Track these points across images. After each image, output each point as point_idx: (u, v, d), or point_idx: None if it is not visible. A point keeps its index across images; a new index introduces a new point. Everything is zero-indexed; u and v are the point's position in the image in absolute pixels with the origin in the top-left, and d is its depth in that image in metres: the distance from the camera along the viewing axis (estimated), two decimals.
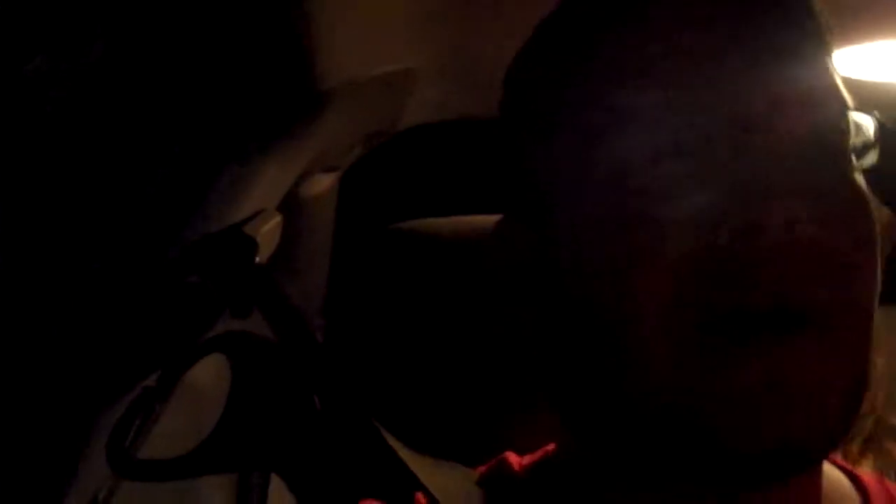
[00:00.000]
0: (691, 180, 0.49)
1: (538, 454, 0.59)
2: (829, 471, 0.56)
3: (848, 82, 0.53)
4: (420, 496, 0.57)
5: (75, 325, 0.78)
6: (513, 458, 0.59)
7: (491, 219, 0.73)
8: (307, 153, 0.90)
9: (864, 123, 0.52)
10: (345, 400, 0.68)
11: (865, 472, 0.59)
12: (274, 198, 0.88)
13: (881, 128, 0.53)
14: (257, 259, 0.80)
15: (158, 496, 0.90)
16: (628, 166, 0.50)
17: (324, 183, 1.01)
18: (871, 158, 0.52)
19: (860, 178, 0.52)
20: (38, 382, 0.76)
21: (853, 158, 0.51)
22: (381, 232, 0.75)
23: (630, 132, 0.49)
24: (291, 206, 0.95)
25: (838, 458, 0.60)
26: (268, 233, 0.84)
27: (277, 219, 0.87)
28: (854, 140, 0.51)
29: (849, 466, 0.59)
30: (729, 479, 0.50)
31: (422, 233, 0.72)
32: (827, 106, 0.51)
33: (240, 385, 0.70)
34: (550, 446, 0.59)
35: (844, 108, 0.51)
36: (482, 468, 0.60)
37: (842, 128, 0.51)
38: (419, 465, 0.61)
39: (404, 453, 0.63)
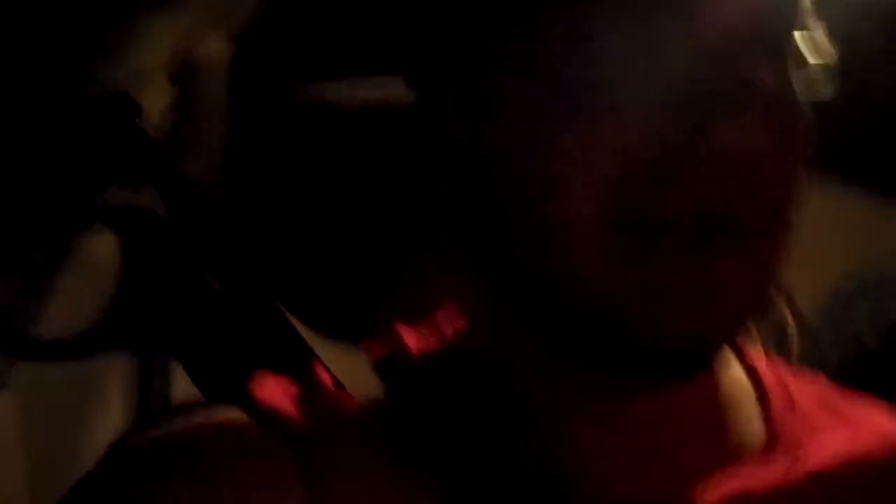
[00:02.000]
0: (640, 77, 0.48)
1: (434, 335, 0.59)
2: (727, 362, 0.58)
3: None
4: (321, 370, 0.56)
5: None
6: (408, 339, 0.58)
7: (397, 84, 0.71)
8: (191, 9, 0.87)
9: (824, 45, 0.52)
10: (240, 276, 0.67)
11: (759, 359, 0.60)
12: (160, 58, 0.85)
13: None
14: (145, 123, 0.77)
15: (55, 378, 0.88)
16: (580, 51, 0.49)
17: (215, 45, 0.98)
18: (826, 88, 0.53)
19: (796, 85, 0.52)
20: None
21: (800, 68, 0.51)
22: (278, 97, 0.72)
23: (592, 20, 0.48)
24: (183, 71, 0.92)
25: None
26: (154, 96, 0.81)
27: (165, 82, 0.84)
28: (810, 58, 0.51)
29: (747, 354, 0.60)
30: (634, 371, 0.51)
31: (316, 97, 0.70)
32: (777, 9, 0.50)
33: (131, 261, 0.68)
34: (445, 326, 0.58)
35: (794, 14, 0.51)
36: (375, 348, 0.59)
37: (785, 30, 0.51)
38: (316, 345, 0.60)
39: (306, 333, 0.62)
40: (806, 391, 0.59)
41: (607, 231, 0.49)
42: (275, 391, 0.54)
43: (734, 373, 0.57)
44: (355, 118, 0.69)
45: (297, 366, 0.57)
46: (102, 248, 0.72)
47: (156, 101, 0.81)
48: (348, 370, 0.57)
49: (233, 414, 0.53)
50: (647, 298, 0.49)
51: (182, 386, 0.71)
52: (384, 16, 0.94)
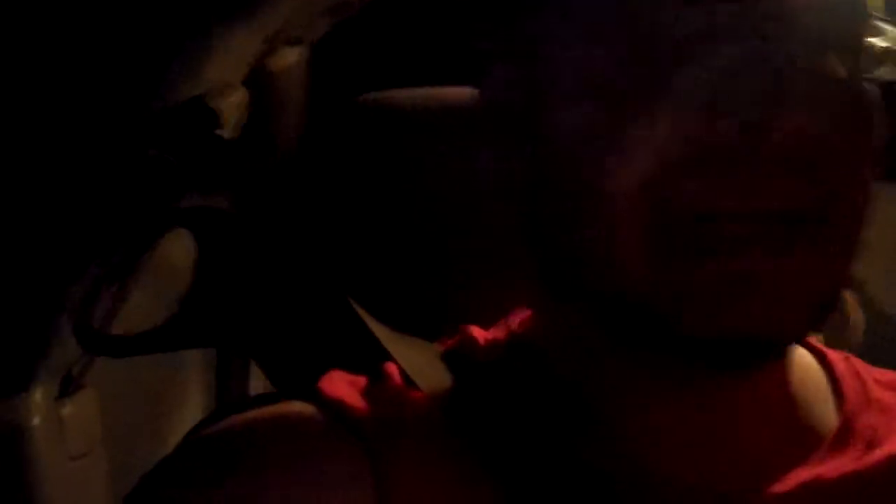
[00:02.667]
0: (698, 65, 0.48)
1: (503, 330, 0.60)
2: (800, 352, 0.57)
3: None
4: (391, 366, 0.57)
5: (39, 201, 0.78)
6: (477, 333, 0.59)
7: (461, 91, 0.73)
8: (270, 23, 0.89)
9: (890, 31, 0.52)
10: (314, 276, 0.69)
11: (832, 350, 0.59)
12: (238, 71, 0.87)
13: None
14: (222, 132, 0.80)
15: (138, 375, 0.91)
16: (636, 39, 0.49)
17: (290, 56, 1.00)
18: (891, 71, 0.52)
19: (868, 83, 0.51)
20: (4, 259, 0.77)
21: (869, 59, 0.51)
22: (345, 105, 0.74)
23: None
24: (259, 81, 0.94)
25: None
26: (231, 106, 0.84)
27: (242, 93, 0.86)
28: (874, 42, 0.51)
29: (818, 346, 0.60)
30: (686, 364, 0.51)
31: (385, 104, 0.72)
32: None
33: (206, 260, 0.70)
34: (514, 322, 0.59)
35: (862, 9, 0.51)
36: (446, 343, 0.60)
37: (857, 23, 0.50)
38: (388, 340, 0.62)
39: (376, 329, 0.64)
40: (879, 381, 0.58)
41: (661, 223, 0.49)
42: (344, 386, 0.55)
43: (806, 362, 0.57)
44: (418, 122, 0.71)
45: (368, 362, 0.58)
46: (178, 248, 0.75)
47: (233, 109, 0.83)
48: (419, 365, 0.58)
49: (302, 408, 0.54)
50: (690, 295, 0.48)
51: (261, 380, 0.73)
52: (444, 23, 0.96)
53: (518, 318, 0.59)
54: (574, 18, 0.50)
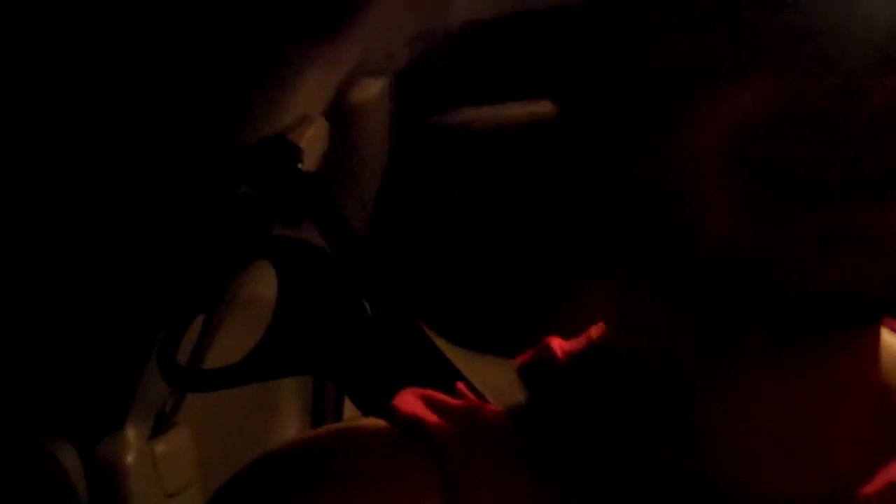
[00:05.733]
0: (790, 30, 0.48)
1: (582, 339, 0.60)
2: (887, 339, 0.56)
3: None
4: (461, 385, 0.58)
5: (128, 243, 0.81)
6: (556, 344, 0.59)
7: (533, 106, 0.73)
8: (350, 56, 0.91)
9: None
10: (391, 302, 0.70)
11: None
12: (318, 104, 0.89)
13: None
14: (302, 166, 0.81)
15: (234, 407, 0.93)
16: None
17: (373, 88, 1.02)
18: None
19: None
20: (97, 300, 0.79)
21: None
22: (415, 128, 0.75)
23: None
24: (340, 113, 0.96)
25: None
26: (312, 139, 0.86)
27: (322, 125, 0.88)
28: None
29: None
30: (787, 324, 0.50)
31: (454, 123, 0.73)
32: None
33: (287, 291, 0.72)
34: (594, 331, 0.59)
35: None
36: (525, 356, 0.60)
37: None
38: (463, 361, 0.62)
39: (449, 351, 0.64)
40: None
41: (742, 179, 0.48)
42: (417, 402, 0.56)
43: (891, 345, 0.55)
44: (500, 138, 0.71)
45: (441, 381, 0.59)
46: (261, 280, 0.76)
47: (313, 142, 0.85)
48: (493, 382, 0.59)
49: (377, 425, 0.56)
50: (789, 254, 0.48)
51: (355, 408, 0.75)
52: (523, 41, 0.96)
53: (596, 328, 0.59)
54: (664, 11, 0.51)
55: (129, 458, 0.81)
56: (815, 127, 0.48)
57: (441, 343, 0.66)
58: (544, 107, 0.70)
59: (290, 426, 0.98)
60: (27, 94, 0.79)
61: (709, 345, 0.52)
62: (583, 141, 0.55)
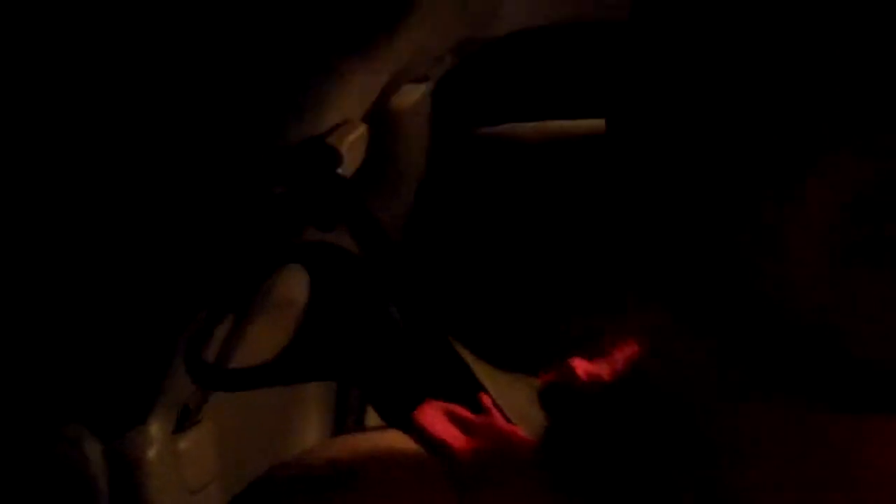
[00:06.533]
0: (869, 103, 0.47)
1: (607, 363, 0.59)
2: None
3: None
4: (485, 396, 0.58)
5: (162, 238, 0.81)
6: (578, 365, 0.59)
7: (580, 123, 0.73)
8: (393, 62, 0.91)
9: None
10: (421, 312, 0.70)
11: None
12: (359, 109, 0.89)
13: None
14: (340, 170, 0.82)
15: (256, 410, 0.93)
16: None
17: (414, 94, 1.02)
18: None
19: None
20: (128, 293, 0.80)
21: None
22: (463, 138, 0.76)
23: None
24: (381, 118, 0.96)
25: None
26: (352, 144, 0.86)
27: (362, 130, 0.88)
28: None
29: None
30: (856, 398, 0.49)
31: (503, 136, 0.73)
32: None
33: (318, 295, 0.72)
34: (620, 355, 0.59)
35: None
36: (546, 376, 0.60)
37: None
38: (487, 377, 0.62)
39: (476, 366, 0.65)
40: None
41: (838, 251, 0.48)
42: (439, 417, 0.56)
43: None
44: (539, 154, 0.71)
45: (465, 396, 0.59)
46: (293, 283, 0.77)
47: (352, 147, 0.85)
48: (516, 400, 0.59)
49: (395, 438, 0.56)
50: (870, 322, 0.47)
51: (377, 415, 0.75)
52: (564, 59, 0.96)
53: (622, 352, 0.59)
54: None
55: (152, 453, 0.82)
56: None
57: (466, 356, 0.66)
58: (598, 125, 0.70)
59: (312, 430, 0.99)
60: (58, 90, 0.80)
61: (742, 399, 0.51)
62: (639, 173, 0.54)
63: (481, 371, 0.64)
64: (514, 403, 0.59)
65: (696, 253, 0.52)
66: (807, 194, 0.48)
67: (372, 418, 1.00)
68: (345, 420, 1.01)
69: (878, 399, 0.48)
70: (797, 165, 0.48)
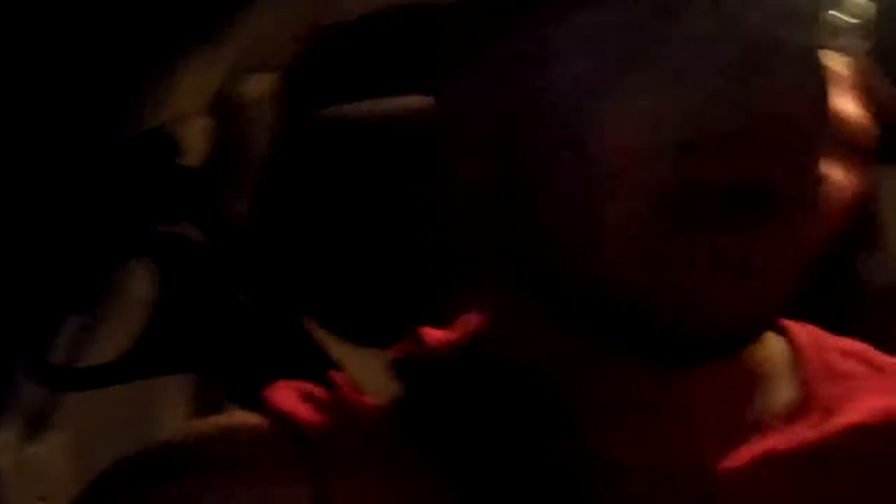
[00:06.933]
0: (667, 47, 0.49)
1: (457, 329, 0.60)
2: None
3: None
4: (337, 375, 0.58)
5: (6, 237, 0.79)
6: (428, 335, 0.60)
7: (413, 100, 0.74)
8: (233, 52, 0.90)
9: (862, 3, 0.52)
10: (269, 295, 0.70)
11: (793, 322, 0.59)
12: (200, 100, 0.88)
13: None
14: (181, 161, 0.81)
15: (114, 409, 0.92)
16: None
17: (262, 84, 1.02)
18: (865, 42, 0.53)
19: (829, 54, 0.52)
20: None
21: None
22: (303, 121, 0.75)
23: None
24: (226, 109, 0.95)
25: None
26: (195, 134, 0.85)
27: (205, 121, 0.87)
28: (850, 20, 0.51)
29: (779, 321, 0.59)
30: (669, 354, 0.51)
31: (332, 117, 0.73)
32: None
33: (167, 287, 0.72)
34: (467, 322, 0.59)
35: None
36: (397, 349, 0.60)
37: None
38: (342, 353, 0.62)
39: (328, 343, 0.65)
40: (843, 350, 0.58)
41: (634, 205, 0.49)
42: (290, 395, 0.56)
43: (764, 338, 0.57)
44: (378, 132, 0.71)
45: (316, 373, 0.59)
46: (139, 276, 0.76)
47: (194, 137, 0.84)
48: (368, 373, 0.59)
49: (250, 418, 0.55)
50: (678, 273, 0.49)
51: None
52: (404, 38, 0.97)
53: (470, 321, 0.60)
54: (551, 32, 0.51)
55: (3, 462, 0.80)
56: (698, 134, 0.48)
57: (321, 335, 0.66)
58: (424, 101, 0.70)
59: (167, 427, 0.97)
60: None
61: (586, 357, 0.53)
62: (460, 147, 0.55)
63: (337, 349, 0.64)
64: (369, 377, 0.59)
65: (515, 219, 0.53)
66: (596, 142, 0.49)
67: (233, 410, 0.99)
68: (206, 414, 0.99)
69: (688, 355, 0.51)
70: (581, 115, 0.49)
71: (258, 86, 1.02)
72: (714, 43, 0.48)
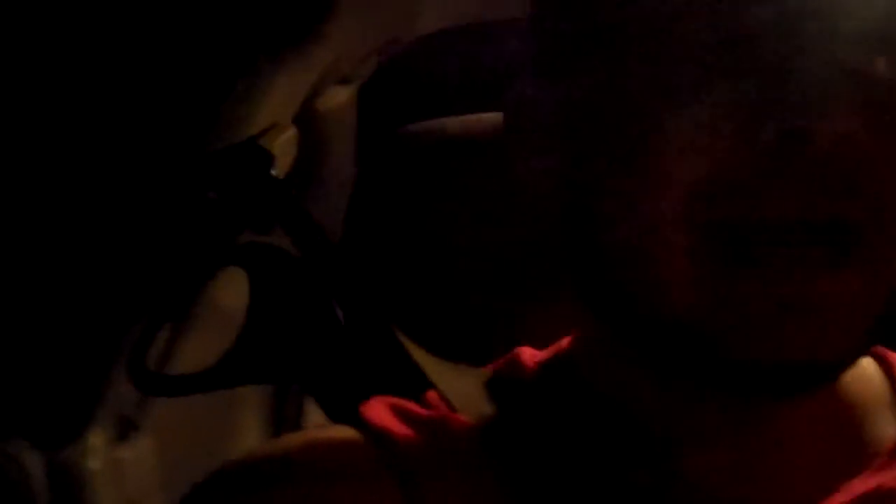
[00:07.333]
0: (735, 70, 0.48)
1: (552, 349, 0.60)
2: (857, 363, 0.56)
3: None
4: (432, 394, 0.59)
5: (97, 247, 0.80)
6: (526, 354, 0.60)
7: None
8: (319, 63, 0.91)
9: None
10: (363, 308, 0.70)
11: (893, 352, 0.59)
12: (288, 111, 0.90)
13: None
14: (273, 172, 0.82)
15: (196, 419, 0.93)
16: (666, 54, 0.48)
17: (340, 96, 1.03)
18: None
19: None
20: (66, 302, 0.79)
21: None
22: (389, 136, 0.76)
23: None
24: (309, 119, 0.96)
25: None
26: (283, 145, 0.86)
27: (292, 131, 0.88)
28: None
29: (879, 349, 0.59)
30: (732, 390, 0.50)
31: (430, 132, 0.74)
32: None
33: (259, 297, 0.72)
34: (566, 342, 0.60)
35: None
36: (495, 366, 0.61)
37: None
38: (436, 369, 0.63)
39: (422, 358, 0.65)
40: None
41: (695, 242, 0.48)
42: (384, 411, 0.57)
43: (863, 369, 0.55)
44: (476, 147, 0.72)
45: (411, 389, 0.60)
46: (232, 287, 0.77)
47: (284, 148, 0.85)
48: (462, 391, 0.59)
49: (344, 432, 0.56)
50: (738, 314, 0.48)
51: (316, 415, 0.75)
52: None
53: (566, 344, 0.60)
54: (606, 41, 0.51)
55: (93, 464, 0.81)
56: (756, 175, 0.47)
57: (415, 350, 0.67)
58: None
59: (252, 436, 0.98)
60: None
61: (662, 384, 0.53)
62: (530, 162, 0.55)
63: (430, 365, 0.64)
64: (461, 395, 0.59)
65: (584, 248, 0.53)
66: (657, 176, 0.48)
67: (311, 421, 1.00)
68: (283, 424, 1.00)
69: (758, 387, 0.49)
70: (645, 139, 0.49)
71: (337, 98, 1.03)
72: (782, 73, 0.47)
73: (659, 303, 0.50)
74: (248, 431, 0.98)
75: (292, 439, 0.59)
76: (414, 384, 0.62)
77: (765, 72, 0.47)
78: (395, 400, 0.58)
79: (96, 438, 0.81)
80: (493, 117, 0.73)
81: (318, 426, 0.62)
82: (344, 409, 0.62)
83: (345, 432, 0.56)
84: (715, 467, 0.53)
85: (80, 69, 0.80)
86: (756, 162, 0.47)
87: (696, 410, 0.52)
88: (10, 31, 0.78)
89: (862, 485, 0.52)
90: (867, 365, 0.56)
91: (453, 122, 0.73)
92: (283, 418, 1.00)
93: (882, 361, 0.57)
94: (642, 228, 0.49)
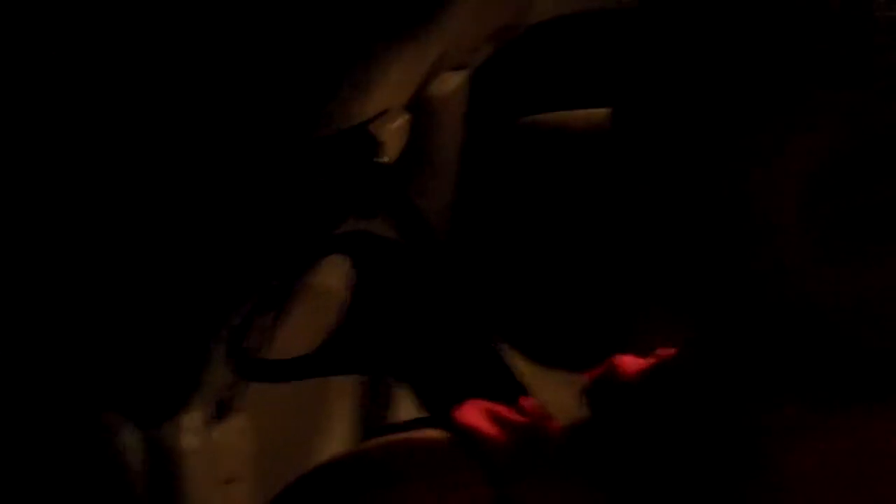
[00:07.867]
0: (837, 62, 0.47)
1: (653, 358, 0.59)
2: None
3: None
4: (527, 399, 0.58)
5: (203, 231, 0.81)
6: (625, 362, 0.59)
7: None
8: (434, 51, 0.90)
9: None
10: (465, 306, 0.69)
11: None
12: (401, 97, 0.89)
13: None
14: (383, 158, 0.81)
15: (286, 398, 0.93)
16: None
17: (452, 82, 1.02)
18: None
19: None
20: (170, 282, 0.80)
21: None
22: (508, 126, 0.75)
23: None
24: (420, 105, 0.96)
25: None
26: (394, 131, 0.85)
27: (404, 118, 0.88)
28: None
29: None
30: (863, 383, 0.49)
31: (552, 124, 0.72)
32: None
33: (362, 286, 0.72)
34: (666, 351, 0.59)
35: None
36: (595, 372, 0.60)
37: None
38: (532, 375, 0.62)
39: (519, 362, 0.64)
40: None
41: (819, 230, 0.47)
42: (478, 415, 0.57)
43: None
44: (590, 143, 0.70)
45: (506, 393, 0.59)
46: (335, 273, 0.76)
47: (394, 135, 0.85)
48: (558, 398, 0.59)
49: (437, 434, 0.56)
50: (867, 305, 0.47)
51: (404, 407, 0.75)
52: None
53: (665, 350, 0.59)
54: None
55: (189, 443, 0.82)
56: (884, 153, 0.46)
57: (512, 354, 0.66)
58: None
59: (341, 424, 0.99)
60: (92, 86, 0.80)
61: (774, 394, 0.51)
62: (644, 161, 0.54)
63: (526, 369, 0.64)
64: (558, 400, 0.59)
65: (697, 249, 0.52)
66: (783, 162, 0.47)
67: (399, 411, 1.00)
68: (372, 413, 1.01)
69: (883, 382, 0.48)
70: (770, 133, 0.47)
71: (449, 84, 1.03)
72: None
73: (784, 293, 0.48)
74: (338, 418, 0.98)
75: (384, 443, 0.59)
76: (510, 388, 0.62)
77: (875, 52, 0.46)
78: (489, 404, 0.58)
79: (192, 418, 0.82)
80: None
81: (407, 426, 0.62)
82: (439, 405, 0.61)
83: (438, 435, 0.56)
84: (813, 473, 0.51)
85: (199, 51, 0.80)
86: (871, 145, 0.46)
87: (807, 422, 0.51)
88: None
89: None
90: None
91: (577, 116, 0.71)
92: (373, 408, 1.01)
93: None
94: (773, 210, 0.48)
